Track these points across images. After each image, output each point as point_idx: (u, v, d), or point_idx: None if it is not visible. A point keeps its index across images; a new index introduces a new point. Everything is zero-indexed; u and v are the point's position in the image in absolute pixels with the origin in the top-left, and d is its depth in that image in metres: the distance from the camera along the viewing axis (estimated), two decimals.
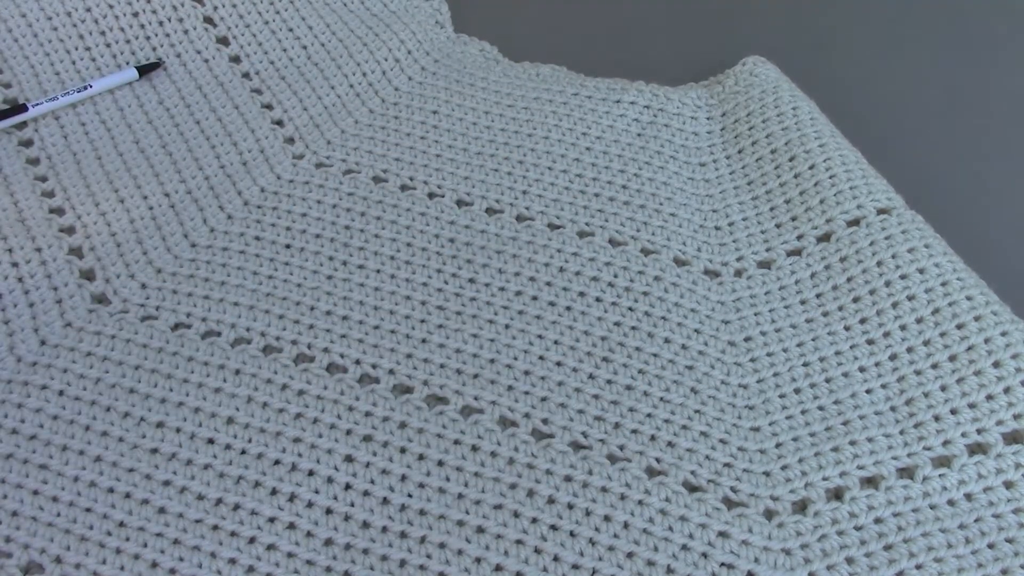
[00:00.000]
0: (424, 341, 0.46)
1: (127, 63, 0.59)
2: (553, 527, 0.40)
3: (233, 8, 0.62)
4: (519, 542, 0.40)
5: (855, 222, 0.48)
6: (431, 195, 0.53)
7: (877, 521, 0.40)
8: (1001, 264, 0.48)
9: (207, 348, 0.46)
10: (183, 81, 0.58)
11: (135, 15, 0.61)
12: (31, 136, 0.56)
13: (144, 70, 0.58)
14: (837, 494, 0.41)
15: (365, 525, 0.41)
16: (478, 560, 0.40)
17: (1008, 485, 0.40)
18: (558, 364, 0.45)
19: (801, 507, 0.40)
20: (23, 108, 0.56)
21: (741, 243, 0.50)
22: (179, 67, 0.59)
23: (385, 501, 0.41)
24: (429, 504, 0.41)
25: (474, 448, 0.43)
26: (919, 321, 0.45)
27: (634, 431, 0.43)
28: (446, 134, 0.55)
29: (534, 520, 0.40)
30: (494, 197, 0.52)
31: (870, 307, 0.46)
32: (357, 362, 0.45)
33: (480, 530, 0.40)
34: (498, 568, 0.39)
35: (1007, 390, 0.42)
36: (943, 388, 0.43)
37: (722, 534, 0.40)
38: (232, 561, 0.40)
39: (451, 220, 0.51)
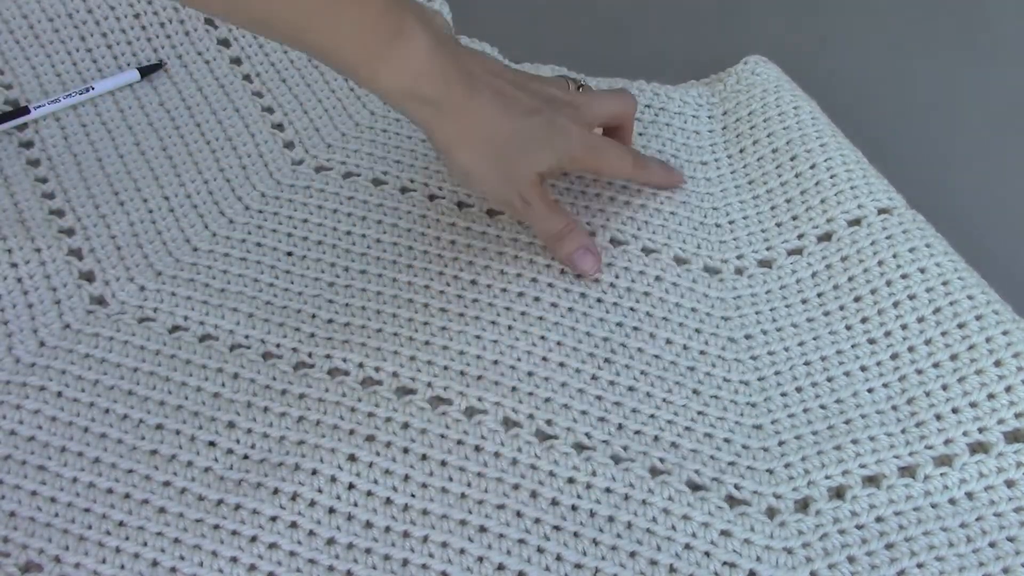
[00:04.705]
0: (427, 344, 0.46)
1: (128, 64, 0.59)
2: (556, 527, 0.40)
3: None
4: (522, 542, 0.40)
5: (856, 221, 0.48)
6: (431, 197, 0.53)
7: (879, 520, 0.40)
8: (1001, 263, 0.48)
9: (204, 351, 0.46)
10: (184, 83, 0.58)
11: (136, 16, 0.61)
12: (32, 138, 0.56)
13: (146, 71, 0.58)
14: (839, 493, 0.41)
15: (368, 525, 0.40)
16: (480, 559, 0.39)
17: (1009, 484, 0.40)
18: (561, 365, 0.45)
19: (803, 506, 0.40)
20: (25, 110, 0.56)
21: (742, 241, 0.50)
22: (180, 68, 0.59)
23: (388, 501, 0.41)
24: (432, 504, 0.41)
25: (477, 449, 0.43)
26: (920, 320, 0.45)
27: (637, 432, 0.43)
28: None
29: (537, 520, 0.40)
30: None
31: (871, 306, 0.46)
32: (360, 365, 0.45)
33: (482, 530, 0.40)
34: (500, 568, 0.39)
35: (1008, 389, 0.42)
36: (944, 387, 0.43)
37: (724, 533, 0.40)
38: (233, 560, 0.39)
39: (452, 222, 0.51)
